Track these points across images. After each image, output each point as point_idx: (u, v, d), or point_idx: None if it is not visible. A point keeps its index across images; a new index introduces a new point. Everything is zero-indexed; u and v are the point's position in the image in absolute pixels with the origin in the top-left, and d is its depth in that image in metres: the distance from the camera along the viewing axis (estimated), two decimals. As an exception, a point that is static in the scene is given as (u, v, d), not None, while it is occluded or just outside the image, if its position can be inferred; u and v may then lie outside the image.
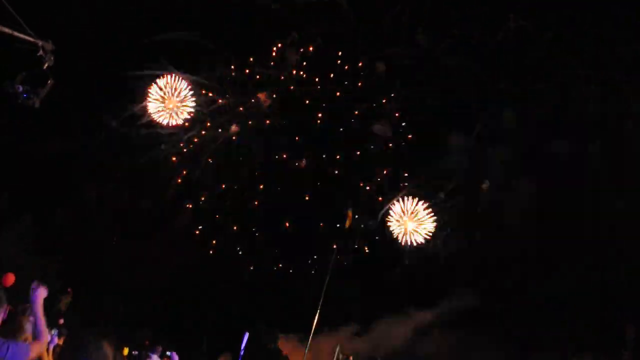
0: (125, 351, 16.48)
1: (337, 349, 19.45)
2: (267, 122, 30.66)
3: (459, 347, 30.68)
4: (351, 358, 18.56)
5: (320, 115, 30.42)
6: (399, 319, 31.78)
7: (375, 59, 29.68)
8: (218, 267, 32.37)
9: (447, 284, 30.96)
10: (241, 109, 30.22)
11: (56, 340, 9.84)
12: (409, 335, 31.50)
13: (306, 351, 18.74)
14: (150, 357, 9.59)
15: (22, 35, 8.93)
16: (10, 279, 11.25)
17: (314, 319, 17.65)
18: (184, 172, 31.31)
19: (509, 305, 29.72)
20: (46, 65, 9.24)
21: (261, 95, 29.96)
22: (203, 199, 31.89)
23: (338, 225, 28.25)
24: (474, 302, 29.72)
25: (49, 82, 9.23)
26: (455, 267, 30.66)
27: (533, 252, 29.90)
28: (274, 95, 30.20)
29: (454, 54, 27.69)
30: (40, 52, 9.13)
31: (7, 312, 4.79)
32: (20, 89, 9.20)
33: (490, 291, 29.87)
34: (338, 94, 30.27)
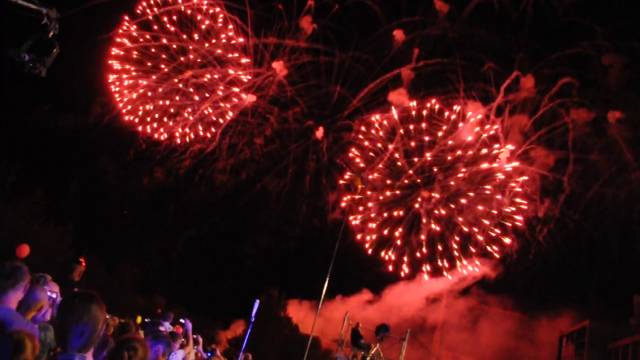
0: (139, 319, 16.74)
1: (347, 316, 19.66)
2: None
3: (469, 314, 30.96)
4: (361, 324, 18.77)
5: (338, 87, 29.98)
6: (411, 285, 31.98)
7: (393, 27, 29.07)
8: (231, 235, 32.66)
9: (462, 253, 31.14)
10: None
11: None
12: (421, 302, 31.75)
13: (316, 318, 18.94)
14: (162, 324, 9.68)
15: (25, 3, 8.76)
16: (25, 249, 11.34)
17: (323, 286, 17.77)
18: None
19: (520, 272, 29.84)
20: (51, 33, 9.09)
21: (277, 65, 29.58)
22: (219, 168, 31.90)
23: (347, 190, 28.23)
24: (485, 270, 29.86)
25: (55, 50, 9.10)
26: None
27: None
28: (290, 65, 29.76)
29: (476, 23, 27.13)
30: (45, 20, 8.96)
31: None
32: (27, 57, 9.06)
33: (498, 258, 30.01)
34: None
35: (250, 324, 16.24)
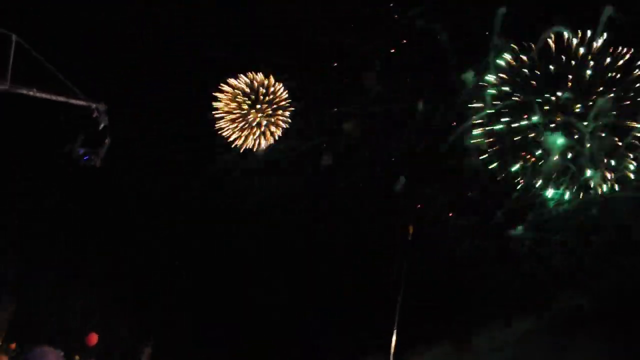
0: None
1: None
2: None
3: (565, 355, 29.44)
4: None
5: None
6: (499, 331, 30.72)
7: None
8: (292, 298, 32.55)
9: (551, 287, 29.94)
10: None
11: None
12: (510, 347, 30.34)
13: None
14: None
15: (76, 101, 9.51)
16: (94, 338, 11.79)
17: (392, 338, 17.41)
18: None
19: (620, 306, 28.38)
20: (102, 125, 9.80)
21: (347, 126, 30.79)
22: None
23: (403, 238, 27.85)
24: (580, 304, 28.63)
25: (106, 141, 9.78)
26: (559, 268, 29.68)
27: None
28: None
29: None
30: (95, 114, 9.68)
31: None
32: (81, 151, 9.76)
33: (598, 292, 28.73)
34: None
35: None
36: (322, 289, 32.53)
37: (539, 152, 28.99)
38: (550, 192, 28.11)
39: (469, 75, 27.06)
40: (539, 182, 28.74)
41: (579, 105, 27.59)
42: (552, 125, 26.82)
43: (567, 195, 28.41)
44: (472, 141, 27.23)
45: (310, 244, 32.49)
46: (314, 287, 32.59)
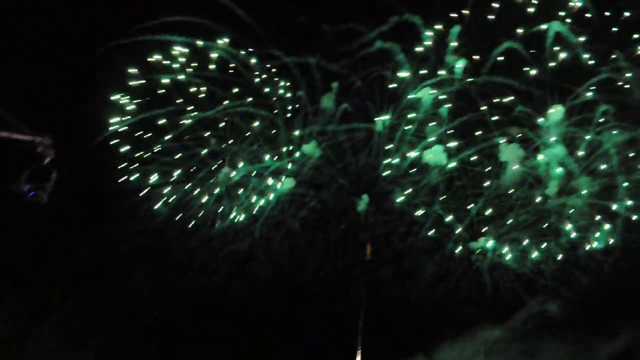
0: None
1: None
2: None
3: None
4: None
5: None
6: (466, 342, 30.97)
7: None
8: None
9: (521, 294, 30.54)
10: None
11: None
12: (481, 356, 30.65)
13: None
14: None
15: (20, 136, 9.34)
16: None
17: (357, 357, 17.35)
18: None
19: (589, 310, 29.12)
20: (48, 159, 9.61)
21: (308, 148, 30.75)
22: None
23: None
24: (550, 309, 29.26)
25: (52, 175, 9.59)
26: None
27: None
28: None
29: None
30: (40, 148, 9.51)
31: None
32: (26, 187, 9.55)
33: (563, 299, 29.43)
34: None
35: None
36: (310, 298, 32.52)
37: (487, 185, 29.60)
38: (508, 255, 28.60)
39: (425, 93, 27.65)
40: (490, 242, 29.35)
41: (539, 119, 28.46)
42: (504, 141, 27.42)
43: (533, 254, 29.06)
44: (428, 159, 27.70)
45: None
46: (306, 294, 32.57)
